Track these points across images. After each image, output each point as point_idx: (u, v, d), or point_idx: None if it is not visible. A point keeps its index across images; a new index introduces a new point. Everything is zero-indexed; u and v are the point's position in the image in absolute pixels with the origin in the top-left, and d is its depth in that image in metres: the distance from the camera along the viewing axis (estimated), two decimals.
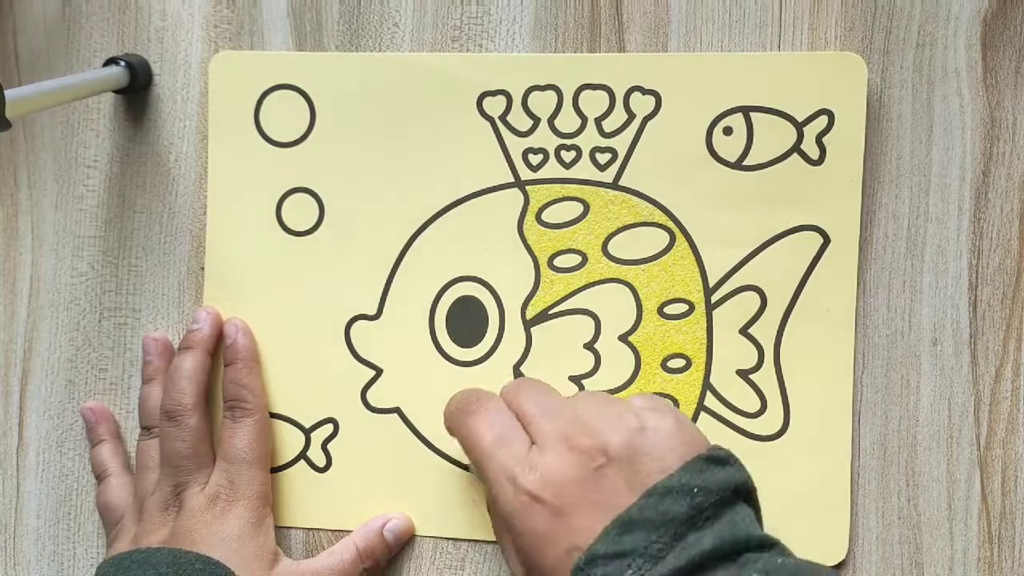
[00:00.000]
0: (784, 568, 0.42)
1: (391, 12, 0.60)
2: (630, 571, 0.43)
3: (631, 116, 0.57)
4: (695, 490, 0.44)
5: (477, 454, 0.51)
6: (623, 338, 0.57)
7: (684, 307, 0.57)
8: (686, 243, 0.57)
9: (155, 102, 0.62)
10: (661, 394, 0.57)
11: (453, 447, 0.58)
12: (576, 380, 0.58)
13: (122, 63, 0.60)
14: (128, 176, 0.62)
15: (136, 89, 0.61)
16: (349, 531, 0.59)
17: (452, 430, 0.54)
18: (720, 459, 0.46)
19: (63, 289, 0.63)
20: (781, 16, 0.57)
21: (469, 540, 0.59)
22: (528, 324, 0.58)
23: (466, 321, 0.59)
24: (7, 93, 0.50)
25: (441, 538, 0.59)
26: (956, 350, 0.56)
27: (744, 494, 0.46)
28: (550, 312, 0.58)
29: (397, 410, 0.60)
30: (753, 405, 0.57)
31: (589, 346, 0.58)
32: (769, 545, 0.44)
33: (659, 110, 0.57)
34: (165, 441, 0.58)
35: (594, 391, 0.54)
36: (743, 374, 0.57)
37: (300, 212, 0.60)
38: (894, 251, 0.56)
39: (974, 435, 0.56)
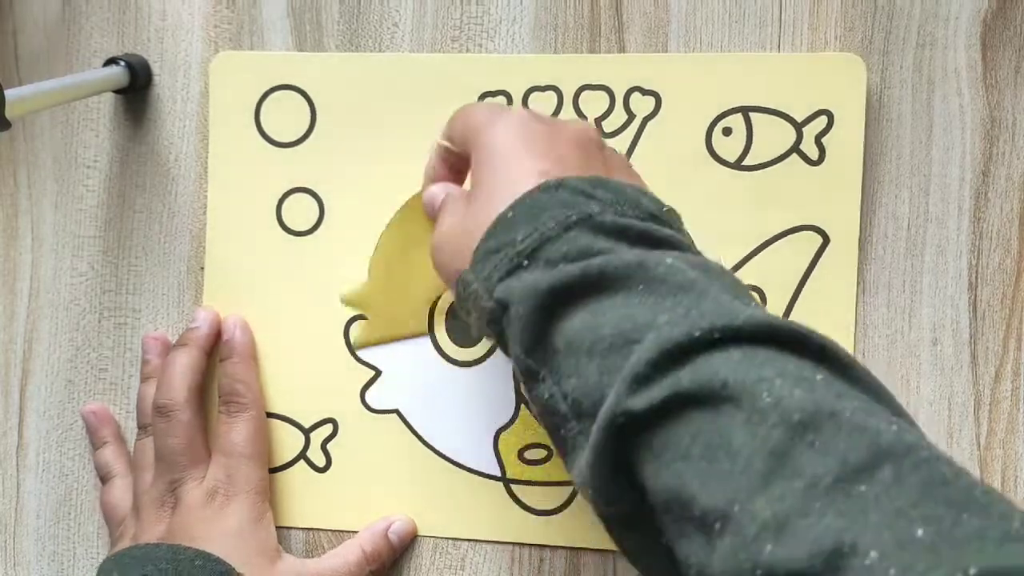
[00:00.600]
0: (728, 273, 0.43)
1: (391, 12, 0.60)
2: (595, 208, 0.43)
3: (631, 116, 0.57)
4: (664, 208, 0.46)
5: (466, 113, 0.51)
6: None
7: None
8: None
9: (155, 102, 0.62)
10: None
11: (453, 447, 0.58)
12: None
13: (122, 63, 0.60)
14: (128, 176, 0.62)
15: (136, 89, 0.61)
16: (349, 531, 0.59)
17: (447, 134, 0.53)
18: (678, 218, 0.48)
19: (63, 289, 0.63)
20: (781, 16, 0.57)
21: (469, 540, 0.59)
22: None
23: (466, 321, 0.59)
24: (7, 93, 0.50)
25: (441, 538, 0.59)
26: (956, 350, 0.56)
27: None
28: None
29: (396, 411, 0.59)
30: None
31: None
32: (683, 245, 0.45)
33: (659, 110, 0.57)
34: (158, 437, 0.57)
35: None
36: None
37: (300, 212, 0.60)
38: (894, 251, 0.56)
39: (974, 435, 0.55)
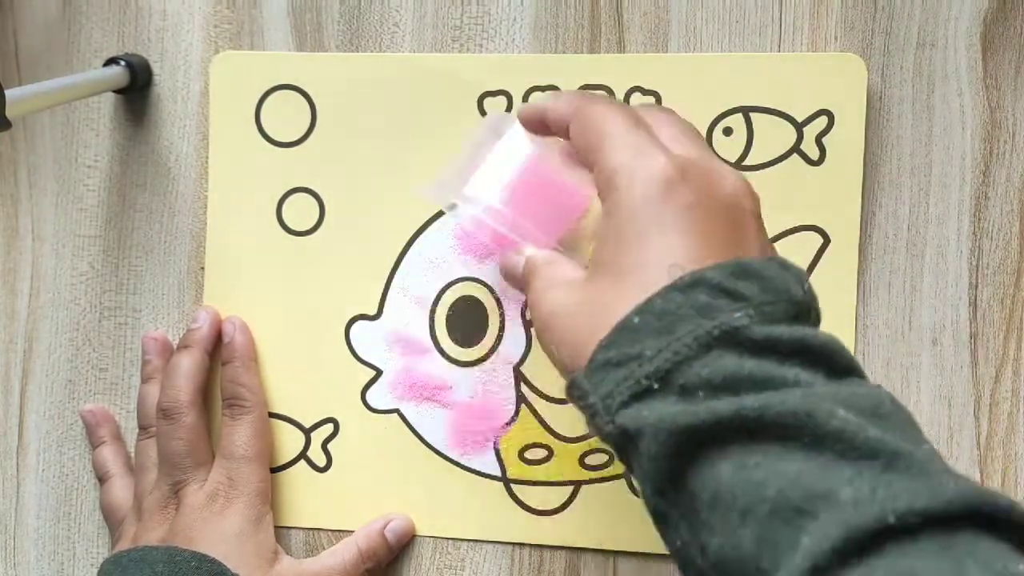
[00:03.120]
0: (901, 407, 0.37)
1: (391, 12, 0.60)
2: (739, 314, 0.36)
3: None
4: (805, 285, 0.39)
5: (608, 131, 0.43)
6: None
7: None
8: None
9: (155, 102, 0.62)
10: None
11: (453, 448, 0.58)
12: None
13: (122, 63, 0.60)
14: (128, 176, 0.62)
15: (136, 89, 0.61)
16: (349, 531, 0.59)
17: (574, 115, 0.45)
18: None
19: (63, 289, 0.63)
20: (781, 17, 0.57)
21: (469, 540, 0.59)
22: (528, 324, 0.58)
23: (466, 321, 0.59)
24: (7, 93, 0.50)
25: (441, 538, 0.59)
26: (956, 350, 0.56)
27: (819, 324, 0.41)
28: None
29: (397, 410, 0.59)
30: None
31: None
32: (861, 376, 0.38)
33: None
34: (161, 439, 0.57)
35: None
36: None
37: (301, 212, 0.60)
38: (894, 251, 0.56)
39: (974, 435, 0.56)
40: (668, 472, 0.36)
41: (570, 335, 0.41)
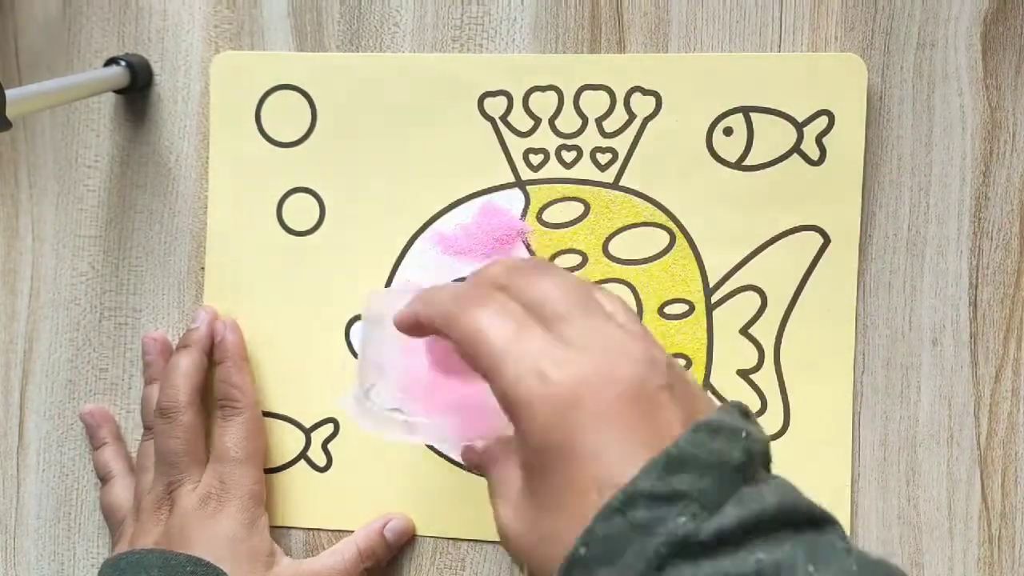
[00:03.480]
0: (866, 559, 0.34)
1: (392, 12, 0.60)
2: (682, 518, 0.34)
3: (632, 116, 0.57)
4: (744, 434, 0.36)
5: (487, 351, 0.40)
6: None
7: (684, 307, 0.57)
8: (686, 243, 0.57)
9: (155, 102, 0.62)
10: None
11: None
12: None
13: (122, 63, 0.60)
14: (128, 176, 0.62)
15: (136, 89, 0.61)
16: (349, 531, 0.59)
17: (447, 327, 0.42)
18: (749, 412, 0.39)
19: (63, 289, 0.63)
20: (781, 17, 0.57)
21: (469, 540, 0.59)
22: None
23: None
24: (7, 93, 0.50)
25: (441, 538, 0.59)
26: (956, 350, 0.56)
27: (770, 458, 0.38)
28: None
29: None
30: (753, 405, 0.57)
31: None
32: (829, 522, 0.36)
33: (659, 110, 0.57)
34: (159, 438, 0.57)
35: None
36: (743, 374, 0.57)
37: (301, 212, 0.60)
38: (894, 251, 0.56)
39: (974, 435, 0.56)
40: None
41: (529, 559, 0.39)
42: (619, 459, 0.36)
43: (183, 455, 0.57)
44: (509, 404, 0.39)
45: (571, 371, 0.38)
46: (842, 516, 0.55)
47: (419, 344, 0.47)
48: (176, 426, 0.57)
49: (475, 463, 0.45)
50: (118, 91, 0.61)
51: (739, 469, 0.35)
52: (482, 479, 0.58)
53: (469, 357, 0.41)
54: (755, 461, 0.36)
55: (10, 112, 0.50)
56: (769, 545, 0.34)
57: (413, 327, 0.45)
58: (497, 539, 0.58)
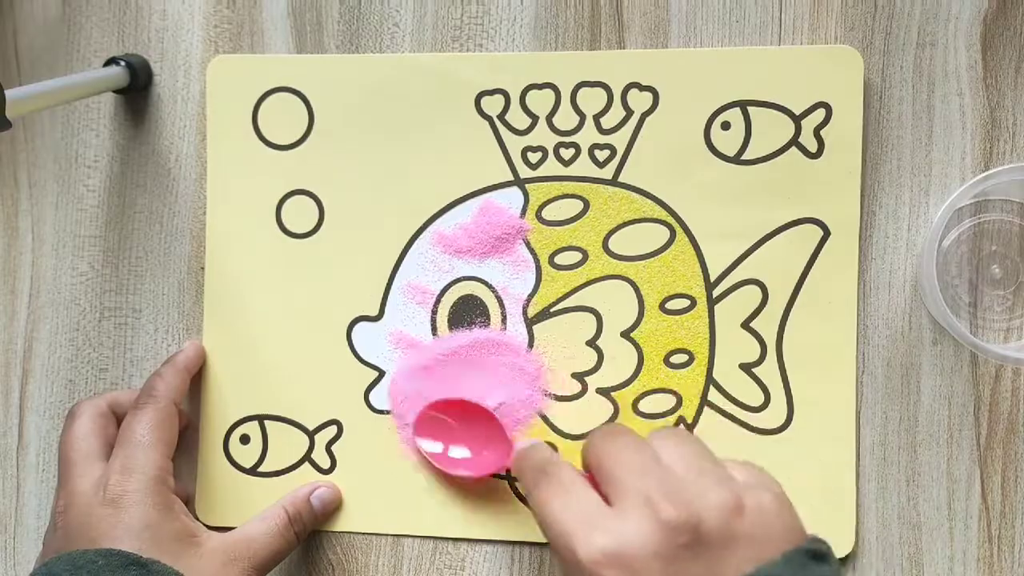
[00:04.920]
0: None
1: (391, 12, 0.60)
2: None
3: (629, 113, 0.57)
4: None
5: (542, 520, 0.46)
6: (625, 334, 0.57)
7: (686, 302, 0.57)
8: (686, 238, 0.57)
9: (155, 102, 0.62)
10: (665, 390, 0.57)
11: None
12: (579, 377, 0.58)
13: (122, 63, 0.60)
14: (128, 176, 0.62)
15: (136, 89, 0.61)
16: (354, 532, 0.59)
17: (523, 485, 0.51)
18: (821, 555, 0.42)
19: (63, 289, 0.63)
20: (781, 17, 0.57)
21: (469, 540, 0.59)
22: (530, 322, 0.58)
23: (468, 320, 0.59)
24: (7, 93, 0.50)
25: (441, 538, 0.59)
26: (956, 350, 0.56)
27: None
28: (552, 310, 0.58)
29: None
30: (756, 399, 0.57)
31: (591, 343, 0.58)
32: None
33: (657, 106, 0.57)
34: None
35: (690, 439, 0.47)
36: (746, 368, 0.57)
37: (300, 214, 0.60)
38: (894, 251, 0.56)
39: (974, 435, 0.56)
40: None
41: None
42: None
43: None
44: (555, 554, 0.45)
45: (600, 542, 0.42)
46: (847, 508, 0.56)
47: None
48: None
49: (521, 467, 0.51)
50: (118, 91, 0.61)
51: None
52: (487, 479, 0.58)
53: (535, 517, 0.47)
54: None
55: (10, 112, 0.50)
56: None
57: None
58: (496, 539, 0.58)
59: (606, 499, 0.44)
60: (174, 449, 0.57)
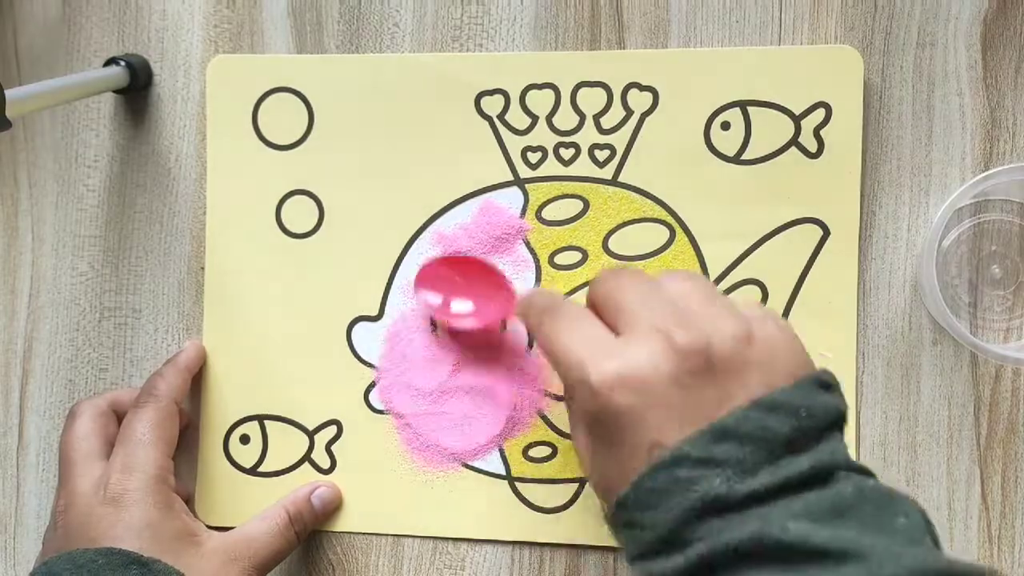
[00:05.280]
0: (876, 489, 0.40)
1: (391, 12, 0.60)
2: (718, 480, 0.39)
3: (629, 113, 0.57)
4: (801, 412, 0.41)
5: (552, 354, 0.46)
6: None
7: None
8: (686, 238, 0.57)
9: (155, 102, 0.62)
10: None
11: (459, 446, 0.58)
12: None
13: (122, 63, 0.60)
14: (128, 176, 0.62)
15: (136, 89, 0.61)
16: (354, 532, 0.59)
17: (529, 327, 0.50)
18: (828, 384, 0.43)
19: (63, 289, 0.63)
20: (781, 17, 0.57)
21: (469, 540, 0.59)
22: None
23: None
24: (7, 93, 0.50)
25: (441, 538, 0.59)
26: (956, 350, 0.56)
27: (841, 423, 0.43)
28: None
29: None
30: None
31: None
32: (865, 473, 0.41)
33: (657, 106, 0.57)
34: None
35: (696, 276, 0.47)
36: None
37: (300, 214, 0.60)
38: (894, 251, 0.56)
39: (974, 435, 0.56)
40: None
41: (593, 480, 0.45)
42: (670, 428, 0.41)
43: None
44: (568, 388, 0.45)
45: (610, 365, 0.42)
46: None
47: None
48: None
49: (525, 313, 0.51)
50: (118, 91, 0.61)
51: (785, 442, 0.40)
52: (486, 478, 0.58)
53: (545, 354, 0.47)
54: (809, 432, 0.41)
55: (10, 112, 0.50)
56: (795, 502, 0.39)
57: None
58: (496, 539, 0.58)
59: (616, 333, 0.44)
60: (175, 448, 0.57)
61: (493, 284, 0.57)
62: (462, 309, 0.58)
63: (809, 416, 0.41)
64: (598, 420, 0.43)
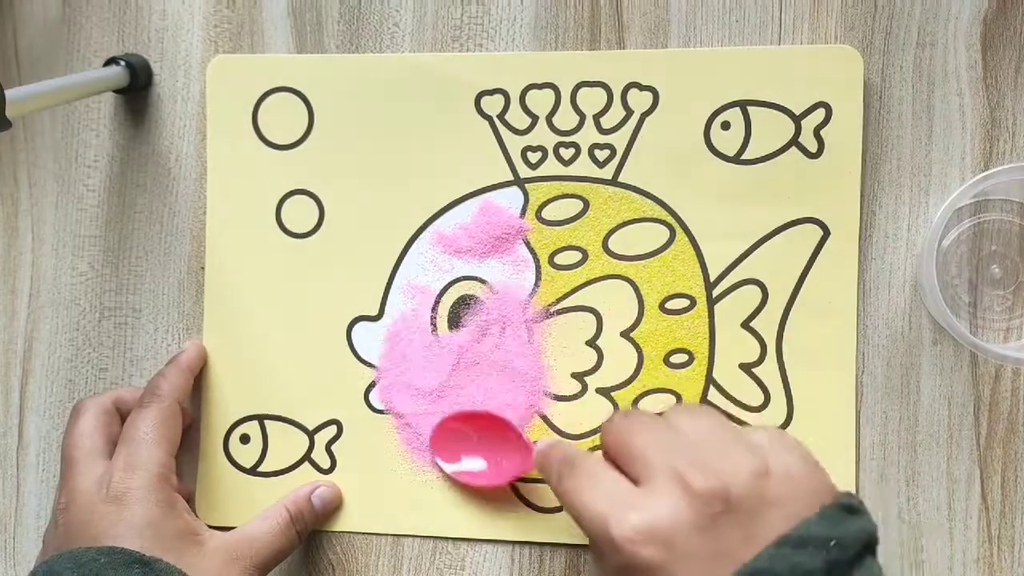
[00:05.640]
0: None
1: (391, 12, 0.60)
2: None
3: (629, 112, 0.57)
4: (832, 543, 0.40)
5: (574, 510, 0.46)
6: (625, 334, 0.57)
7: (685, 302, 0.57)
8: (686, 238, 0.57)
9: (155, 102, 0.62)
10: (665, 390, 0.57)
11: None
12: (579, 377, 0.58)
13: (122, 63, 0.60)
14: (128, 176, 0.62)
15: (136, 89, 0.61)
16: (354, 532, 0.59)
17: (549, 482, 0.51)
18: (854, 508, 0.43)
19: (63, 289, 0.63)
20: (781, 17, 0.57)
21: (469, 540, 0.59)
22: (530, 322, 0.58)
23: (468, 320, 0.59)
24: (7, 93, 0.50)
25: (441, 538, 0.59)
26: (956, 350, 0.56)
27: (873, 546, 0.43)
28: (552, 310, 0.58)
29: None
30: (756, 399, 0.57)
31: (591, 343, 0.58)
32: None
33: (657, 106, 0.57)
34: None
35: (706, 411, 0.48)
36: (746, 368, 0.57)
37: (300, 214, 0.60)
38: (894, 251, 0.56)
39: (974, 435, 0.56)
40: None
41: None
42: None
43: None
44: (592, 544, 0.45)
45: (633, 520, 0.42)
46: None
47: None
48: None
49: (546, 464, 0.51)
50: (118, 91, 0.61)
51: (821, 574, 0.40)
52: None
53: (566, 508, 0.47)
54: (841, 560, 0.40)
55: (10, 112, 0.50)
56: None
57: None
58: (496, 539, 0.58)
59: (634, 481, 0.44)
60: (177, 447, 0.57)
61: (507, 440, 0.57)
62: (474, 467, 0.58)
63: (840, 547, 0.40)
64: (626, 575, 0.42)
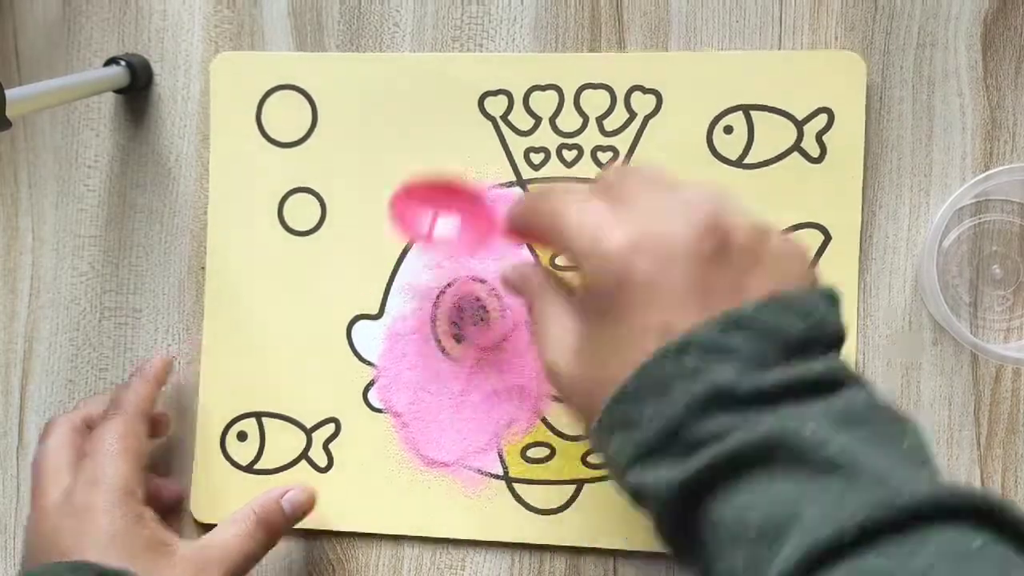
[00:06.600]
0: (886, 406, 0.38)
1: (392, 12, 0.60)
2: (728, 370, 0.37)
3: (632, 115, 0.57)
4: (815, 316, 0.39)
5: (556, 225, 0.43)
6: None
7: None
8: None
9: (155, 102, 0.62)
10: None
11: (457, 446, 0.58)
12: None
13: (122, 63, 0.60)
14: (128, 176, 0.62)
15: (136, 89, 0.61)
16: (350, 532, 0.59)
17: (528, 228, 0.47)
18: (835, 300, 0.41)
19: (63, 289, 0.63)
20: (781, 17, 0.57)
21: (469, 540, 0.59)
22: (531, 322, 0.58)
23: (468, 319, 0.59)
24: (7, 93, 0.50)
25: (441, 538, 0.59)
26: (956, 350, 0.56)
27: (840, 346, 0.41)
28: None
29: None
30: None
31: None
32: (857, 382, 0.39)
33: (660, 109, 0.57)
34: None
35: (717, 189, 0.43)
36: None
37: (302, 212, 0.60)
38: (894, 251, 0.56)
39: (974, 435, 0.56)
40: (672, 524, 0.38)
41: (580, 397, 0.43)
42: (676, 311, 0.39)
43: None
44: (576, 258, 0.42)
45: (627, 229, 0.40)
46: None
47: None
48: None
49: (514, 286, 0.50)
50: (118, 91, 0.61)
51: (798, 342, 0.38)
52: (484, 478, 0.58)
53: (549, 236, 0.44)
54: (818, 340, 0.39)
55: (10, 112, 0.50)
56: (800, 407, 0.37)
57: (515, 231, 0.49)
58: (498, 540, 0.58)
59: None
60: (144, 459, 0.56)
61: (477, 203, 0.54)
62: (446, 229, 0.54)
63: (820, 323, 0.39)
64: (607, 294, 0.40)
